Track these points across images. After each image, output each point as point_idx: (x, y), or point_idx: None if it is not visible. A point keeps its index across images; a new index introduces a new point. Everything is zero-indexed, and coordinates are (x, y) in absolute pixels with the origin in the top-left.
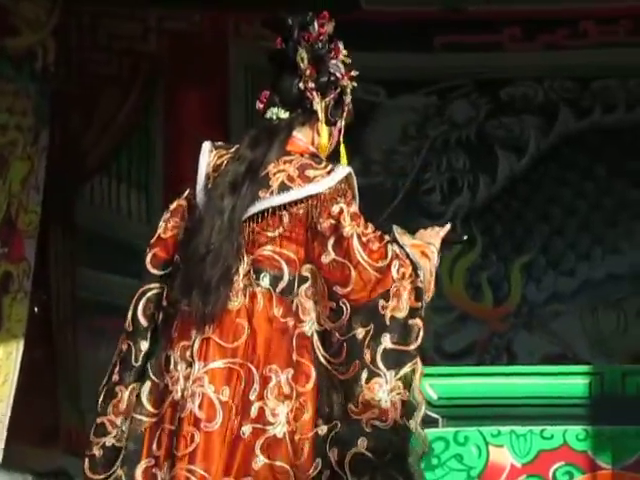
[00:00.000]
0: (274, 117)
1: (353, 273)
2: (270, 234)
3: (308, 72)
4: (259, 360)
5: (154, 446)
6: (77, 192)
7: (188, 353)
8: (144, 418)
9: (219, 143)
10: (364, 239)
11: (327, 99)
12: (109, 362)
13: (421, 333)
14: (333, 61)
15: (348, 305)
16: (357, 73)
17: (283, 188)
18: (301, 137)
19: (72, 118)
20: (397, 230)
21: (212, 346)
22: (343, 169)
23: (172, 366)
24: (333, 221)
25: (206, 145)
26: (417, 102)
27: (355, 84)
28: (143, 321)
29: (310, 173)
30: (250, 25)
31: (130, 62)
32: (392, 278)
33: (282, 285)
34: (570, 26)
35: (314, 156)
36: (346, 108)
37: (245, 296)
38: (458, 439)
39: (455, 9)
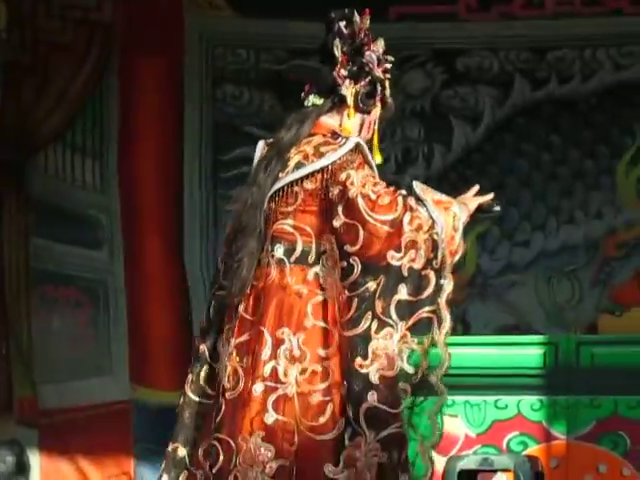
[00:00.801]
0: (309, 104)
1: (361, 231)
2: (287, 209)
3: (341, 60)
4: (271, 323)
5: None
6: (31, 162)
7: (229, 333)
8: (198, 399)
9: (270, 140)
10: (372, 196)
11: (357, 86)
12: (62, 332)
13: (432, 284)
14: (367, 53)
15: (358, 262)
16: (390, 66)
17: (298, 166)
18: (331, 121)
19: (25, 87)
20: (418, 186)
21: (241, 321)
22: (352, 140)
23: (220, 348)
24: (341, 187)
25: (260, 144)
26: None
27: (388, 77)
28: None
29: (323, 149)
30: None
31: (85, 31)
32: (404, 229)
33: (295, 255)
34: None
35: (334, 134)
36: (379, 99)
37: (263, 268)
38: (412, 409)
39: None
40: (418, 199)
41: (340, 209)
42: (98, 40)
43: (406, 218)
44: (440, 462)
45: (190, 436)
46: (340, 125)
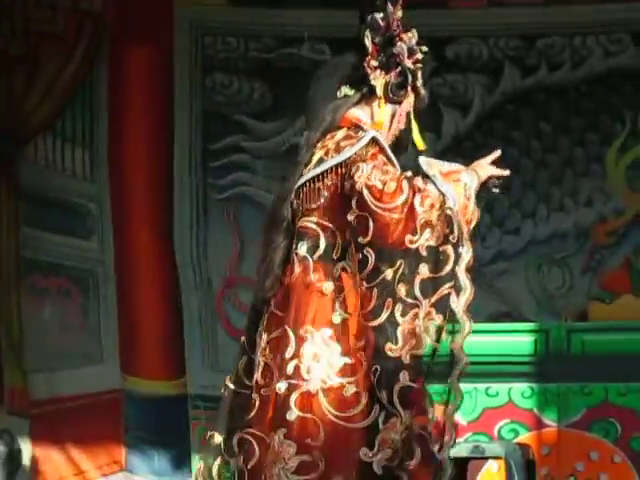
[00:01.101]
0: (342, 95)
1: (371, 222)
2: (311, 206)
3: (371, 51)
4: (294, 321)
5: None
6: (21, 151)
7: (262, 327)
8: (236, 388)
9: (306, 132)
10: (379, 185)
11: (388, 77)
12: (52, 321)
13: (451, 259)
14: (398, 43)
15: (372, 252)
16: (422, 56)
17: (319, 162)
18: (360, 113)
19: (15, 77)
20: (424, 162)
21: (272, 317)
22: (369, 134)
23: (257, 340)
24: (352, 181)
25: (304, 134)
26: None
27: (420, 67)
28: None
29: (343, 144)
30: None
31: (75, 20)
32: (417, 212)
33: (319, 252)
34: None
35: (357, 128)
36: (410, 89)
37: (289, 265)
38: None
39: None
40: (426, 176)
41: (353, 202)
42: (88, 29)
43: (416, 200)
44: None
45: (226, 424)
46: (372, 118)
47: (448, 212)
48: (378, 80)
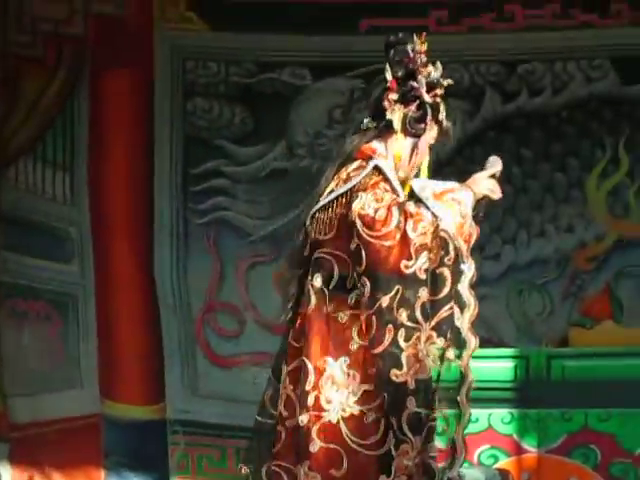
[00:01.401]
0: (364, 127)
1: (363, 251)
2: (324, 237)
3: (390, 85)
4: (312, 352)
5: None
6: (1, 174)
7: (284, 359)
8: (262, 419)
9: None
10: (371, 214)
11: (406, 110)
12: (32, 346)
13: (448, 282)
14: (419, 77)
15: (367, 281)
16: (442, 91)
17: (330, 192)
18: (377, 145)
19: None
20: (417, 185)
21: (291, 348)
22: (372, 162)
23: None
24: (350, 210)
25: None
26: (343, 85)
27: (439, 100)
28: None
29: (352, 174)
30: (176, 7)
31: (55, 44)
32: (410, 237)
33: (333, 283)
34: (496, 9)
35: (369, 159)
36: (431, 123)
37: (305, 296)
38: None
39: None
40: (419, 200)
41: (354, 232)
42: (68, 53)
43: (409, 226)
44: None
45: (253, 456)
46: (389, 149)
47: (442, 234)
48: (396, 113)
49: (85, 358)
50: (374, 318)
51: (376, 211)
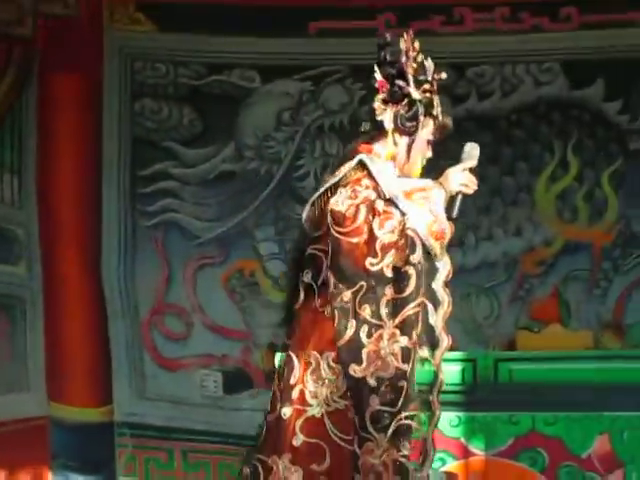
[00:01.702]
0: (361, 130)
1: (330, 246)
2: (315, 234)
3: (379, 85)
4: (299, 347)
5: None
6: None
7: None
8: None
9: None
10: (343, 210)
11: (395, 109)
12: None
13: (413, 280)
14: (407, 74)
15: (332, 275)
16: (428, 85)
17: (319, 188)
18: (376, 146)
19: None
20: (386, 183)
21: (283, 345)
22: (357, 157)
23: None
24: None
25: None
26: (291, 88)
27: (428, 96)
28: None
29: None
30: (125, 8)
31: (4, 46)
32: (376, 234)
33: (322, 278)
34: (445, 12)
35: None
36: (424, 119)
37: (297, 291)
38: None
39: None
40: (388, 198)
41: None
42: (17, 55)
43: (375, 223)
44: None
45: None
46: (384, 149)
47: (409, 233)
48: (386, 114)
49: (32, 360)
50: (336, 312)
51: (347, 208)
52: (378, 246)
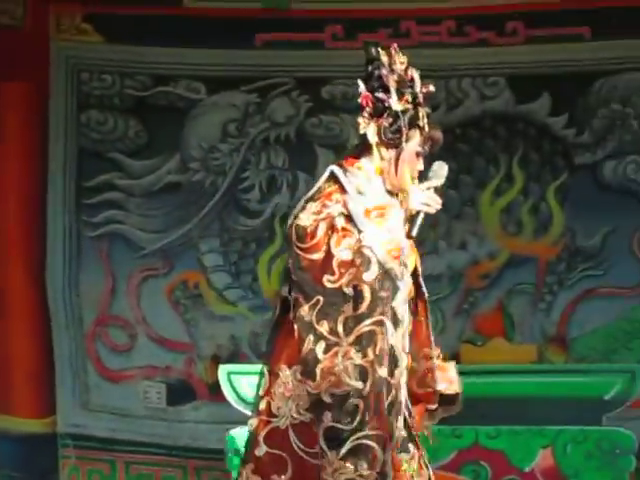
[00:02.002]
0: (349, 146)
1: (290, 261)
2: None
3: (362, 100)
4: (272, 359)
5: None
6: None
7: None
8: None
9: None
10: (306, 225)
11: (378, 123)
12: None
13: (367, 298)
14: (389, 87)
15: (293, 289)
16: (411, 97)
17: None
18: (364, 160)
19: None
20: (350, 199)
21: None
22: (328, 169)
23: None
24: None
25: None
26: (237, 99)
27: (409, 107)
28: None
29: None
30: (72, 19)
31: None
32: (333, 252)
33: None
34: (392, 25)
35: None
36: (407, 130)
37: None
38: None
39: (278, 7)
40: (348, 214)
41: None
42: None
43: (332, 240)
44: None
45: None
46: (371, 163)
47: (365, 251)
48: (370, 127)
49: None
50: (296, 326)
51: (310, 223)
52: (335, 263)
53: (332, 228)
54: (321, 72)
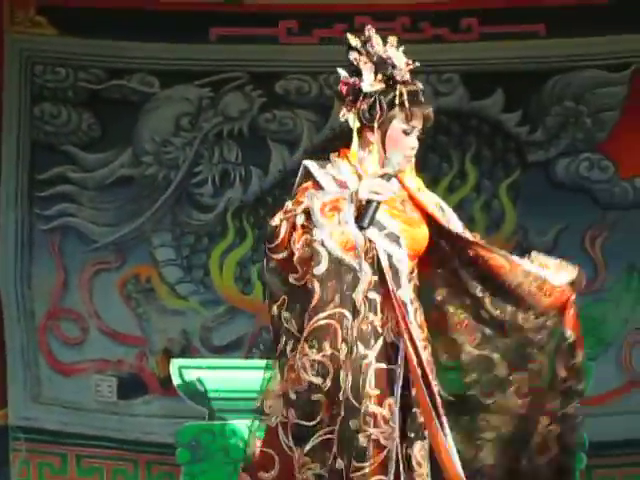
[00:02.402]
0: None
1: (265, 262)
2: None
3: (340, 91)
4: (275, 358)
5: None
6: None
7: None
8: None
9: None
10: (275, 224)
11: (356, 107)
12: None
13: (317, 293)
14: (362, 70)
15: (266, 290)
16: (385, 77)
17: None
18: (354, 147)
19: None
20: (310, 195)
21: None
22: (302, 164)
23: None
24: None
25: None
26: (191, 93)
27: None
28: None
29: None
30: (26, 12)
31: None
32: (293, 250)
33: None
34: (347, 21)
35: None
36: (384, 112)
37: None
38: (225, 432)
39: (233, 2)
40: (308, 210)
41: None
42: None
43: (293, 238)
44: None
45: None
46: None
47: (315, 245)
48: (349, 115)
49: None
50: (270, 326)
51: (278, 222)
52: (297, 261)
53: (293, 226)
54: (275, 67)
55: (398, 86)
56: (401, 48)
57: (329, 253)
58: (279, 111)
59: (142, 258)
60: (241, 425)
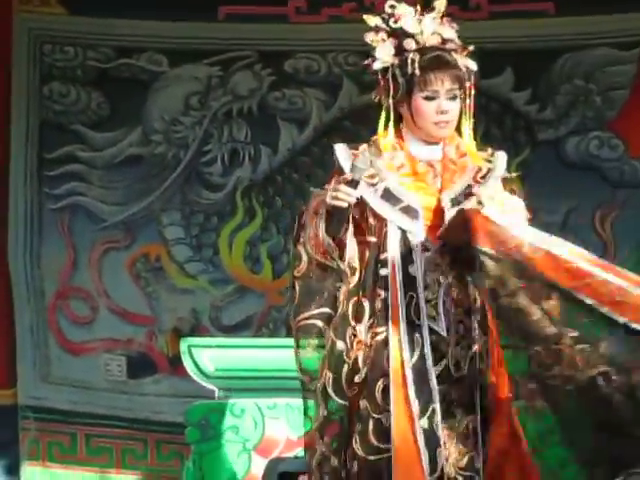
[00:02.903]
0: None
1: None
2: None
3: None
4: None
5: None
6: None
7: None
8: None
9: None
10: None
11: (380, 86)
12: None
13: (297, 293)
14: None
15: None
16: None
17: None
18: (392, 126)
19: None
20: (314, 193)
21: None
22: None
23: None
24: None
25: None
26: (200, 72)
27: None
28: None
29: None
30: None
31: None
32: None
33: None
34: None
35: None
36: (398, 84)
37: None
38: (234, 411)
39: None
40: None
41: None
42: None
43: (296, 236)
44: (261, 464)
45: None
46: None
47: (298, 246)
48: (381, 95)
49: None
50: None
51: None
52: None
53: (300, 223)
54: (284, 46)
55: (410, 54)
56: (431, 15)
57: (307, 253)
58: (288, 90)
59: (151, 237)
60: (250, 404)
